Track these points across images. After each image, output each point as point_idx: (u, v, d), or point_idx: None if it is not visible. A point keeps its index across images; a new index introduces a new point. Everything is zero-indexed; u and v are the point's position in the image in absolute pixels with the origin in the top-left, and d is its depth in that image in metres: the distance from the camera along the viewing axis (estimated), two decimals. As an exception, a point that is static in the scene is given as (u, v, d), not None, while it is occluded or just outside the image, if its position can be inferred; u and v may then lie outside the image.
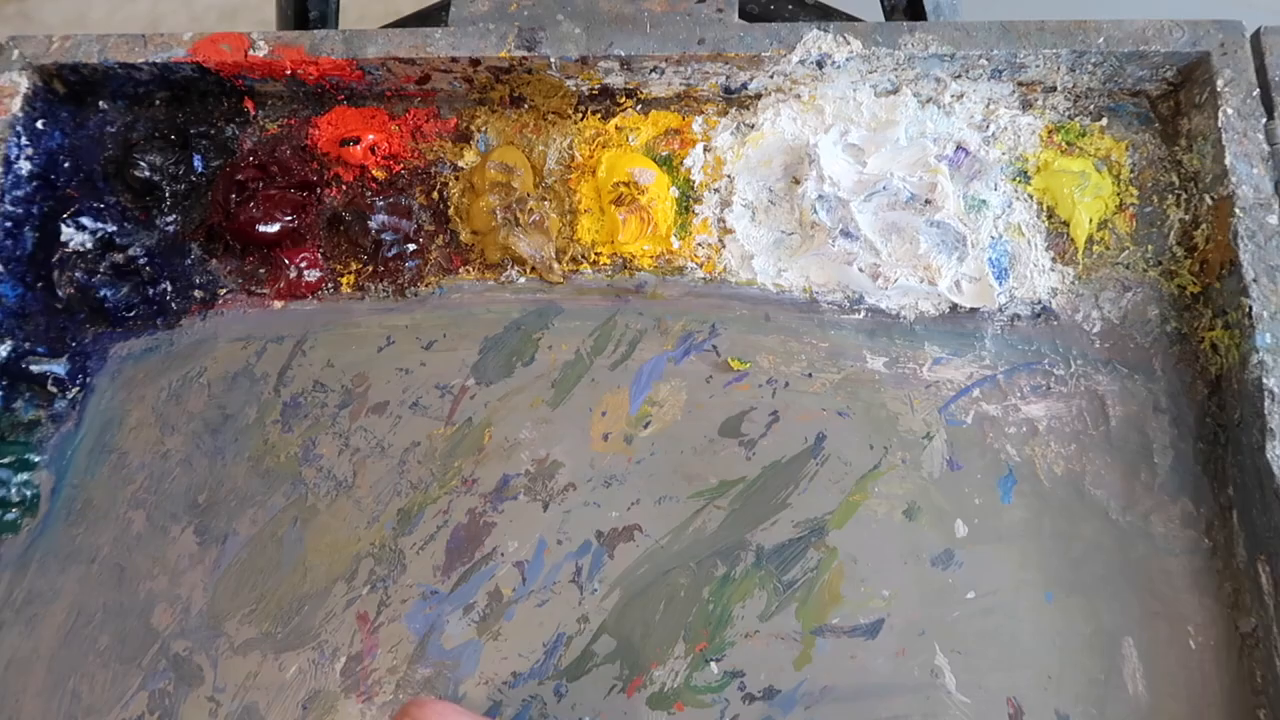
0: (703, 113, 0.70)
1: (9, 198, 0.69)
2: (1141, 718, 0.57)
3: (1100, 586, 0.60)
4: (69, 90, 0.73)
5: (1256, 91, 0.63)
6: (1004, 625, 0.60)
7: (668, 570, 0.62)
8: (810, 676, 0.59)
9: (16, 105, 0.70)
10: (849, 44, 0.66)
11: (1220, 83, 0.64)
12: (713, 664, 0.60)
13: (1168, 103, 0.68)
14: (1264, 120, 0.63)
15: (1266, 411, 0.57)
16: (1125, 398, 0.63)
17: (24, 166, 0.70)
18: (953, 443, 0.63)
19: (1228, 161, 0.62)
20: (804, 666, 0.60)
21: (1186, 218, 0.66)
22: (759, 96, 0.70)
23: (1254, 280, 0.59)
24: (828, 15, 0.83)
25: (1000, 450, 0.63)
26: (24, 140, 0.70)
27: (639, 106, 0.71)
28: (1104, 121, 0.68)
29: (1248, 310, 0.59)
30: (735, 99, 0.70)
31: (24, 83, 0.70)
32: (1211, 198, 0.63)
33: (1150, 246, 0.66)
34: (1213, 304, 0.63)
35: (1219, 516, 0.60)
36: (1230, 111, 0.63)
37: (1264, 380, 0.57)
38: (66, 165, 0.73)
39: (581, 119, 0.71)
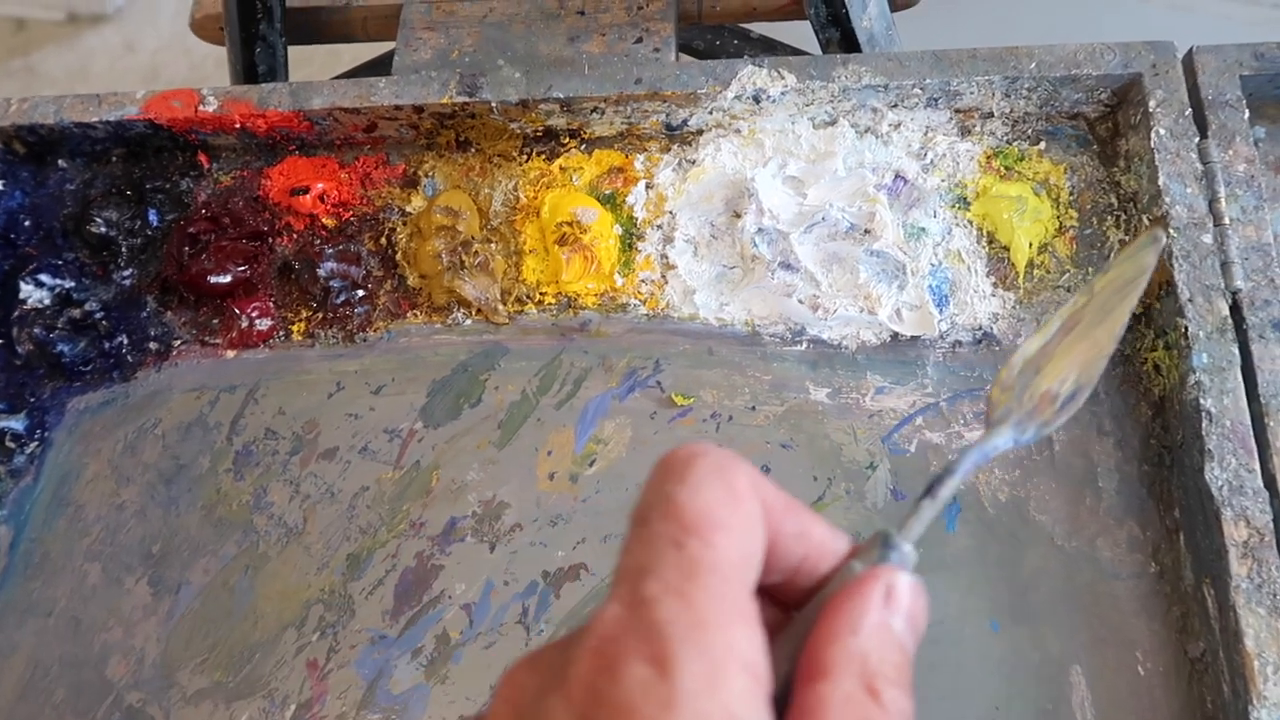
0: (646, 150, 0.71)
1: (-33, 258, 0.70)
2: (1089, 746, 0.57)
3: (1047, 614, 0.59)
4: (29, 150, 0.75)
5: (1189, 111, 0.63)
6: (950, 655, 0.59)
7: (613, 608, 0.62)
8: (755, 712, 0.59)
9: (-25, 167, 0.71)
10: (783, 78, 0.67)
11: (1153, 103, 0.64)
12: (658, 701, 0.60)
13: (1106, 124, 0.68)
14: (1197, 139, 0.63)
15: (1204, 432, 0.56)
16: (1068, 422, 0.63)
17: (-18, 227, 0.71)
18: (896, 472, 0.63)
19: (1161, 182, 0.62)
20: (749, 702, 0.59)
21: (1126, 239, 0.65)
22: (700, 132, 0.70)
23: (1189, 300, 0.59)
24: (771, 49, 0.83)
25: (944, 478, 0.62)
26: (-18, 201, 0.71)
27: (583, 146, 0.72)
28: (1042, 145, 0.68)
29: (1184, 330, 0.59)
30: (677, 135, 0.71)
31: (-17, 145, 0.72)
32: (1148, 218, 0.63)
33: (1091, 268, 0.66)
34: (1154, 324, 0.63)
35: (1166, 539, 0.60)
36: (1163, 132, 0.63)
37: (1200, 401, 0.57)
38: (27, 224, 0.74)
39: (527, 160, 0.72)
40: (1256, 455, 0.56)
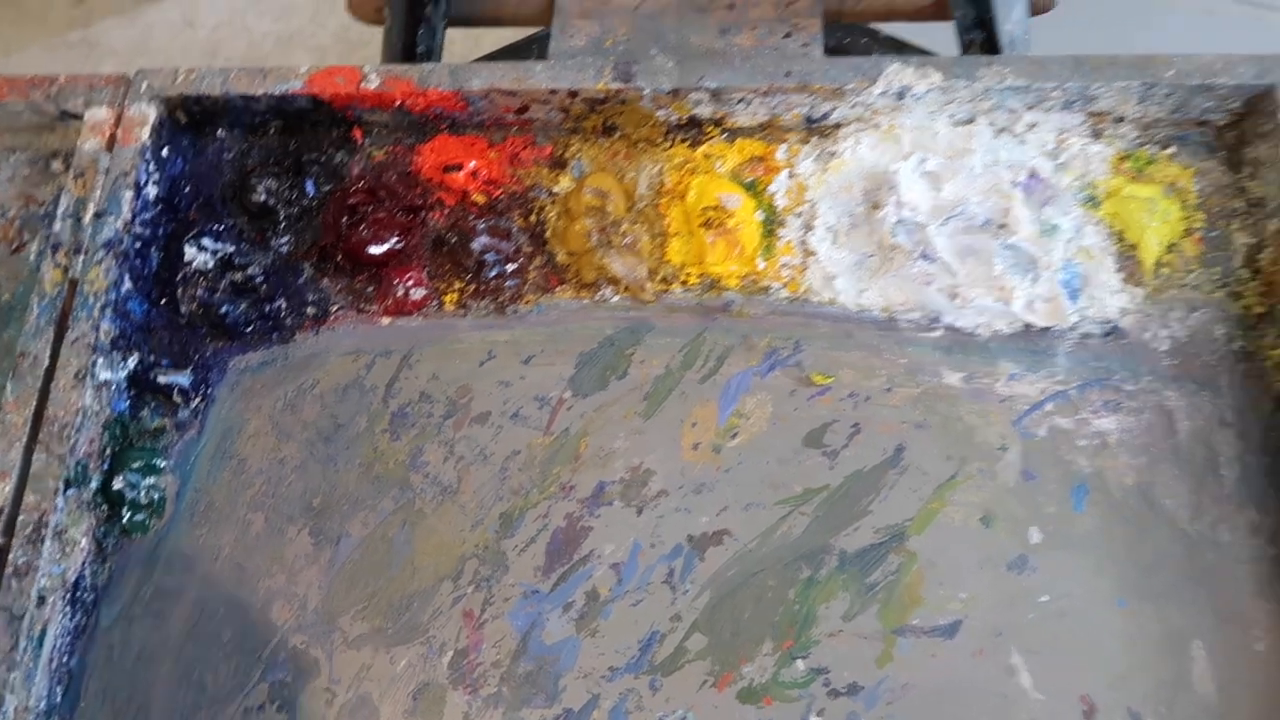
0: (785, 141, 0.74)
1: (138, 220, 0.74)
2: (1208, 714, 0.60)
3: (1170, 592, 0.63)
4: (190, 120, 0.78)
5: (1318, 122, 0.66)
6: (1077, 627, 0.63)
7: (755, 572, 0.66)
8: (892, 674, 0.63)
9: (146, 134, 0.75)
10: (929, 77, 0.70)
11: (1283, 113, 0.67)
12: (799, 661, 0.63)
13: (1232, 132, 0.71)
14: (1327, 149, 0.66)
15: (1330, 426, 0.60)
16: (1193, 412, 0.66)
17: (151, 191, 0.75)
18: (1027, 454, 0.66)
19: (1291, 188, 0.65)
20: (886, 665, 0.63)
21: (1252, 241, 0.69)
22: (839, 126, 0.74)
23: (1317, 301, 0.62)
24: (900, 50, 0.87)
25: (1073, 462, 0.66)
26: (152, 167, 0.75)
27: (725, 135, 0.75)
28: (1172, 150, 0.72)
29: (1311, 330, 0.62)
30: (817, 128, 0.74)
31: (153, 113, 0.75)
32: (1276, 223, 0.66)
33: (1217, 268, 0.69)
34: (1277, 324, 0.66)
35: (1284, 526, 0.63)
36: (1293, 141, 0.66)
37: (1328, 396, 0.60)
38: (187, 190, 0.78)
39: (670, 147, 0.75)
40: (1383, 450, 0.59)
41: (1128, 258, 0.70)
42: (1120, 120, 0.72)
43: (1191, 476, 0.65)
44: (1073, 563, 0.64)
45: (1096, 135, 0.72)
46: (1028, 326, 0.69)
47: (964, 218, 0.70)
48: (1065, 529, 0.65)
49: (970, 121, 0.72)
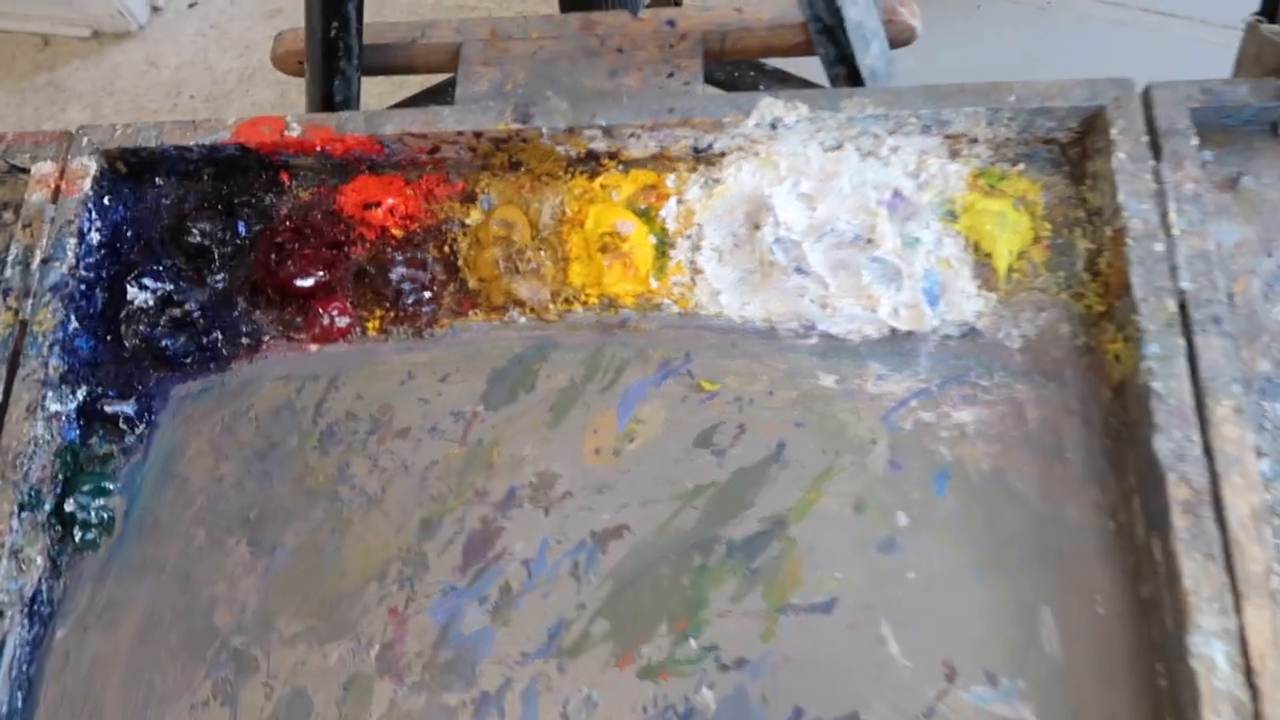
0: (675, 170, 0.82)
1: (83, 264, 0.80)
2: (1057, 674, 0.67)
3: (1022, 565, 0.70)
4: (129, 170, 0.85)
5: (1145, 138, 0.74)
6: (939, 600, 0.69)
7: (652, 562, 0.72)
8: (775, 648, 0.69)
9: (87, 185, 0.81)
10: (798, 109, 0.77)
11: (1114, 131, 0.74)
12: (692, 640, 0.70)
13: (1075, 148, 0.79)
14: (1152, 162, 0.73)
15: (1154, 410, 0.67)
16: (1041, 403, 0.73)
17: (94, 237, 0.81)
18: (894, 446, 0.73)
19: (1120, 199, 0.72)
20: (770, 640, 0.70)
21: (1092, 247, 0.76)
22: (723, 155, 0.81)
23: (1143, 300, 0.70)
24: (784, 81, 0.94)
25: (935, 451, 0.73)
26: (94, 215, 0.81)
27: (620, 166, 0.82)
28: (1021, 166, 0.79)
29: (1138, 325, 0.69)
30: (703, 157, 0.81)
31: (93, 165, 0.82)
32: (1110, 230, 0.74)
33: (1062, 273, 0.76)
34: (1114, 321, 0.73)
35: (1122, 501, 0.70)
36: (1123, 155, 0.73)
37: (1151, 384, 0.68)
38: (129, 234, 0.84)
39: (571, 179, 0.82)
40: (1197, 428, 0.66)
41: (983, 266, 0.77)
42: (974, 141, 0.79)
43: (1041, 461, 0.72)
44: (936, 542, 0.71)
45: (953, 155, 0.79)
46: (894, 331, 0.76)
47: (835, 235, 0.77)
48: (929, 512, 0.72)
49: (839, 147, 0.79)
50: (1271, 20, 0.80)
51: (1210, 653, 0.61)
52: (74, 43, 2.25)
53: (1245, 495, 0.65)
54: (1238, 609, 0.62)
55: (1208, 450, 0.66)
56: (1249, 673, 0.61)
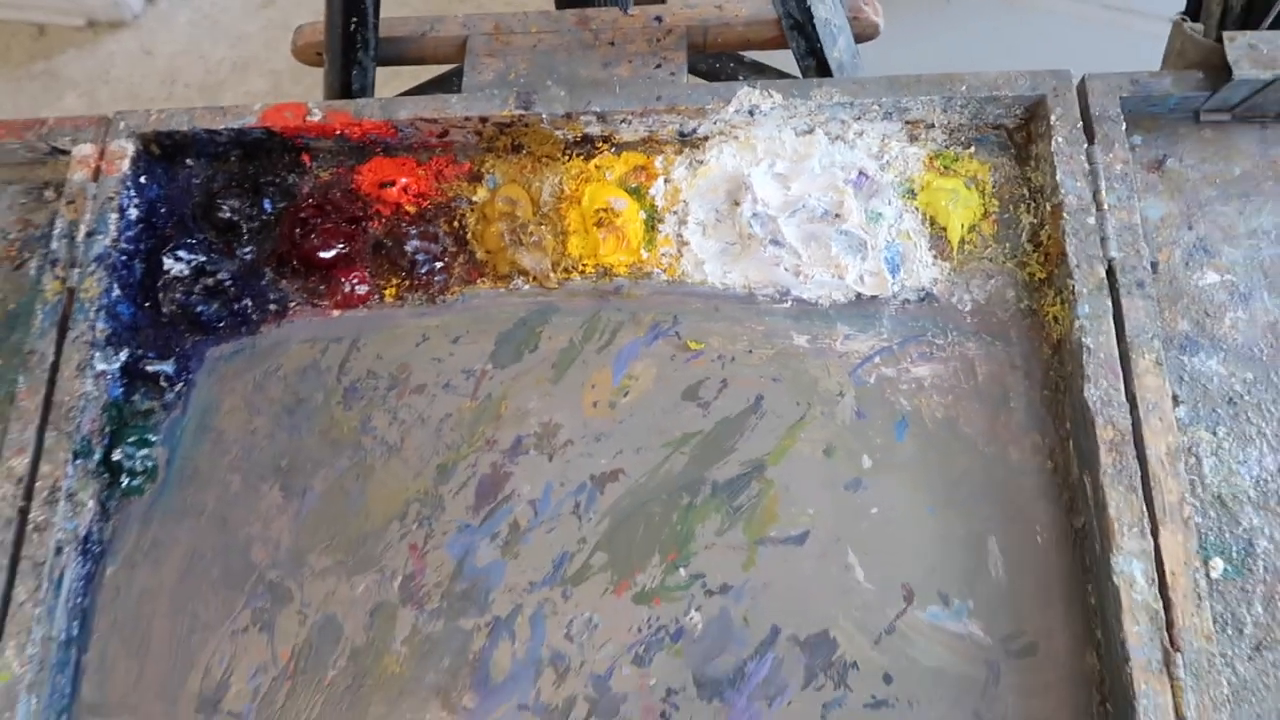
0: (663, 152, 0.90)
1: (123, 237, 0.88)
2: (1001, 595, 0.76)
3: (971, 501, 0.79)
4: (163, 151, 0.93)
5: (1081, 124, 0.83)
6: (899, 532, 0.79)
7: (645, 501, 0.81)
8: (754, 576, 0.79)
9: (126, 165, 0.89)
10: (772, 97, 0.86)
11: (1053, 118, 0.83)
12: (681, 569, 0.79)
13: (1021, 133, 0.88)
14: (1086, 145, 0.82)
15: (1085, 363, 0.76)
16: (989, 359, 0.83)
17: (133, 212, 0.89)
18: (860, 398, 0.82)
19: (1058, 177, 0.82)
20: (750, 568, 0.79)
21: (1035, 221, 0.85)
22: (706, 138, 0.90)
23: (1077, 266, 0.79)
24: (761, 71, 1.03)
25: (895, 402, 0.82)
26: (132, 192, 0.89)
27: (613, 149, 0.91)
28: (972, 149, 0.88)
29: (1072, 289, 0.79)
30: (688, 141, 0.90)
31: (130, 147, 0.90)
32: (1049, 205, 0.83)
33: (1008, 244, 0.86)
34: (1053, 286, 0.82)
35: (1059, 444, 0.80)
36: (1060, 139, 0.83)
37: (1083, 340, 0.77)
38: (163, 210, 0.92)
39: (568, 160, 0.91)
40: (1121, 378, 0.76)
41: (938, 238, 0.86)
42: (931, 126, 0.88)
43: (988, 410, 0.81)
44: (896, 482, 0.80)
45: (912, 139, 0.89)
46: (859, 296, 0.85)
47: (807, 210, 0.86)
48: (890, 456, 0.81)
49: (810, 132, 0.88)
50: (1194, 19, 0.90)
51: (1131, 570, 0.71)
52: (69, 31, 2.29)
53: (1163, 436, 0.74)
54: (1154, 533, 0.72)
55: (1131, 397, 0.75)
56: (1163, 587, 0.71)
